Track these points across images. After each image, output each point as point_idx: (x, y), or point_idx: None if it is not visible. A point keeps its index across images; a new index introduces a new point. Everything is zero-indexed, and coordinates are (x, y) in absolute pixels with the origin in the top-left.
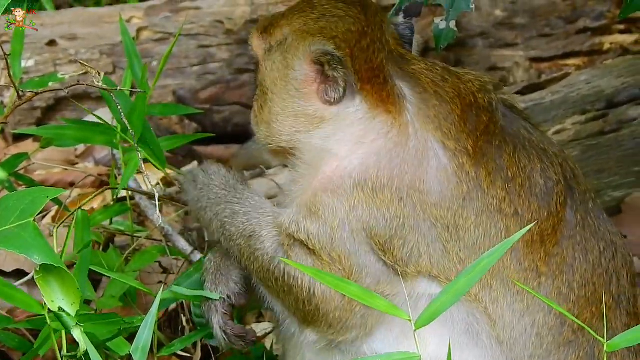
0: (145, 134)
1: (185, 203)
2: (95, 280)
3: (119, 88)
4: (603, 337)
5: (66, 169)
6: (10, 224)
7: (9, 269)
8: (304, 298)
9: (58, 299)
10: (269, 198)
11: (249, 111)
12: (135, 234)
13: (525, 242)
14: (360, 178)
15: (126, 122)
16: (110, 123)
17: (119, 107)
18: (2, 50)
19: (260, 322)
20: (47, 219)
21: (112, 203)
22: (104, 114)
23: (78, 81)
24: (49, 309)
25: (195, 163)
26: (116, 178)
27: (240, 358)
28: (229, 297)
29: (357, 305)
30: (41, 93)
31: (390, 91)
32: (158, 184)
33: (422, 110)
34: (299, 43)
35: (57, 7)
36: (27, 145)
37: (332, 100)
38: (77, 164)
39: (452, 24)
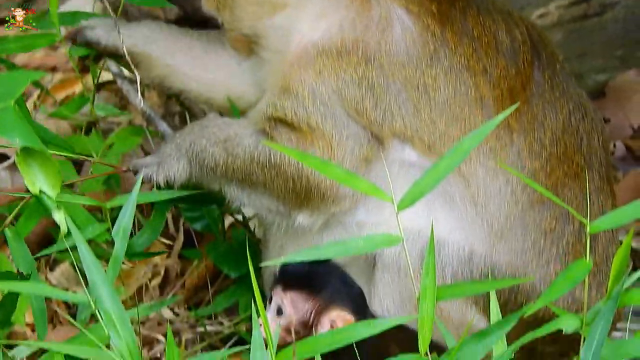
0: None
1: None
2: (77, 163)
3: None
4: (585, 218)
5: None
6: None
7: None
8: (293, 174)
9: (39, 181)
10: None
11: None
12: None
13: (495, 98)
14: (324, 45)
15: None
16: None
17: None
18: None
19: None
20: (29, 104)
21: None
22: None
23: None
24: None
25: None
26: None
27: (223, 242)
28: None
29: None
30: None
31: None
32: None
33: None
34: None
35: None
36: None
37: None
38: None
39: None
